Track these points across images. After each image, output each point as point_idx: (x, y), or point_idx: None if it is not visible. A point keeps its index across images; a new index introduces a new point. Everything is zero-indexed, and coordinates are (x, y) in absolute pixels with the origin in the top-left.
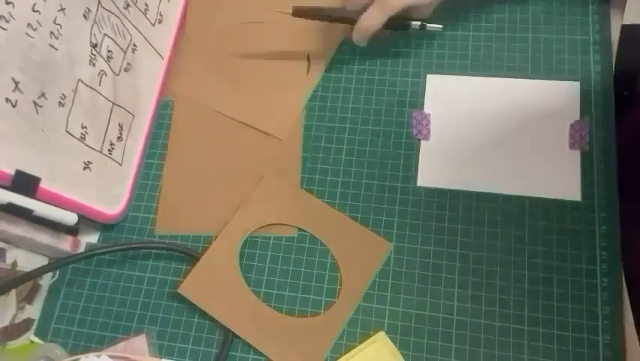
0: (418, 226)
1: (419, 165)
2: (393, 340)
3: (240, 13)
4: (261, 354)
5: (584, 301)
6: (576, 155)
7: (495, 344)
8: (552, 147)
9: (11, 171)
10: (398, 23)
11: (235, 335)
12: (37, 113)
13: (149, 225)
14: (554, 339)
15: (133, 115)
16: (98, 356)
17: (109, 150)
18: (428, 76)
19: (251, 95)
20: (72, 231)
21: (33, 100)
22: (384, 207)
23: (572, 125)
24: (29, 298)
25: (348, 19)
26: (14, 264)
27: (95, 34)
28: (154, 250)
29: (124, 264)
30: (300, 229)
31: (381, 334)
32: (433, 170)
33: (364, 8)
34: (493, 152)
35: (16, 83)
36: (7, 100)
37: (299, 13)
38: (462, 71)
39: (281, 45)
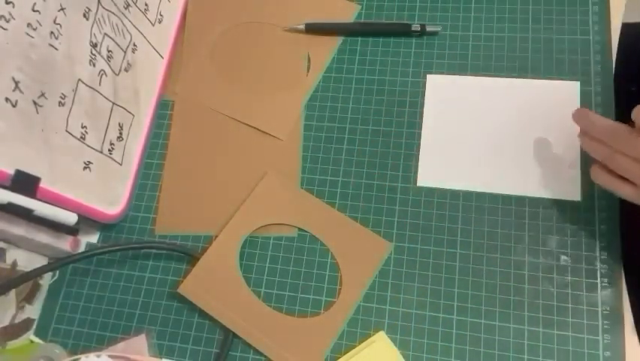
0: (418, 225)
1: (419, 165)
2: (393, 340)
3: (240, 13)
4: (261, 354)
5: (584, 301)
6: (576, 155)
7: (495, 344)
8: (552, 146)
9: (11, 171)
10: (398, 26)
11: (235, 335)
12: (37, 113)
13: (149, 225)
14: (554, 339)
15: (133, 115)
16: (98, 356)
17: (109, 150)
18: (428, 76)
19: (251, 95)
20: (72, 231)
21: (33, 100)
22: (384, 207)
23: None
24: (29, 298)
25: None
26: (14, 264)
27: (95, 34)
28: (154, 250)
29: (124, 264)
30: (300, 229)
31: (381, 334)
32: (433, 170)
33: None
34: (493, 152)
35: (16, 83)
36: (7, 100)
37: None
38: (462, 71)
39: (281, 45)
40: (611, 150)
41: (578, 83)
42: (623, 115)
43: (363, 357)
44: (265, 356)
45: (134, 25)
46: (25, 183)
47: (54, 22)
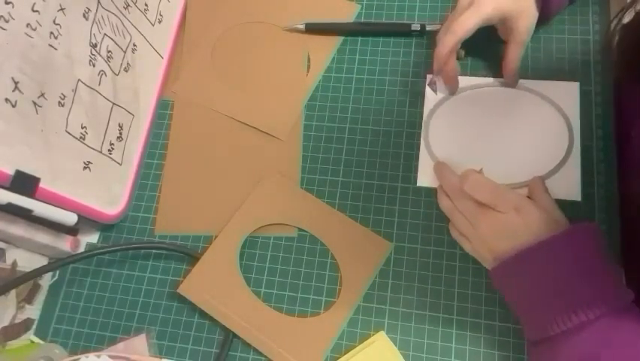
0: (418, 225)
1: (419, 165)
2: (393, 340)
3: (240, 13)
4: (261, 354)
5: None
6: (576, 155)
7: (495, 344)
8: (552, 147)
9: (11, 171)
10: (398, 26)
11: (235, 335)
12: (37, 113)
13: (149, 225)
14: None
15: (133, 115)
16: (98, 356)
17: (109, 150)
18: (428, 76)
19: (251, 95)
20: (72, 231)
21: (33, 100)
22: (384, 207)
23: None
24: (29, 298)
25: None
26: (14, 264)
27: (94, 34)
28: (154, 250)
29: (124, 264)
30: (300, 229)
31: (381, 334)
32: (433, 170)
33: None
34: (493, 152)
35: (16, 83)
36: (6, 100)
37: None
38: (462, 71)
39: (281, 45)
40: (454, 207)
41: (578, 83)
42: (621, 116)
43: (363, 357)
44: (265, 356)
45: (134, 26)
46: (25, 183)
47: (54, 22)
